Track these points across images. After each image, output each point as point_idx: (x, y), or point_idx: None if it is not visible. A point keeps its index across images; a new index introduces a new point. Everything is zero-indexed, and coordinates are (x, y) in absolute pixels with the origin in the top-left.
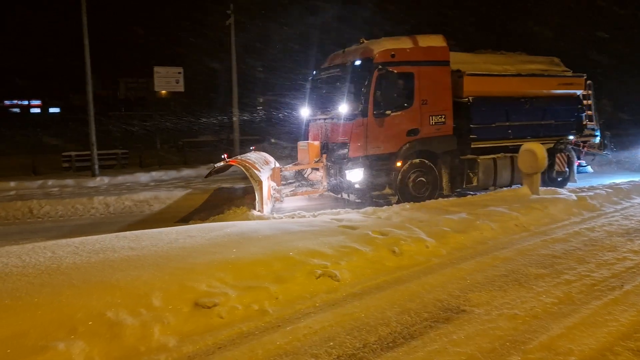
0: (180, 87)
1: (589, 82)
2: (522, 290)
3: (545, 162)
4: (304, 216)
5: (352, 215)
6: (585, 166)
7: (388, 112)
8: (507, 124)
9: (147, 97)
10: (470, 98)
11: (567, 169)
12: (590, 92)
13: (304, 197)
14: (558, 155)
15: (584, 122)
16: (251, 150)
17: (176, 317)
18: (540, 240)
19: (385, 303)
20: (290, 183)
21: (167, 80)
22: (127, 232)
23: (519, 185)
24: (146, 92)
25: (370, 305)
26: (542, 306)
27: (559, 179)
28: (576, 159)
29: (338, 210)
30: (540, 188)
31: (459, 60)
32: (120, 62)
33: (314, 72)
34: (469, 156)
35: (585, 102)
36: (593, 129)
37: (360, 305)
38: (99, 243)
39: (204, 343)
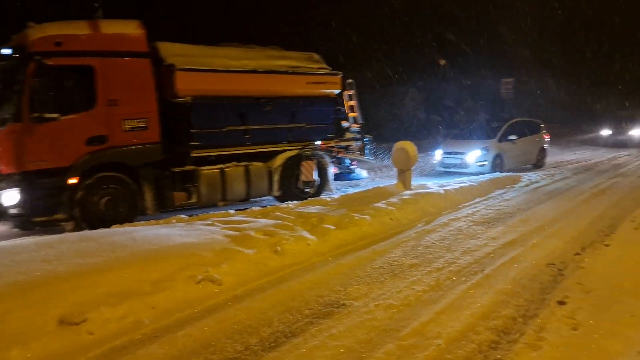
0: None
1: (350, 81)
2: (397, 281)
3: (416, 159)
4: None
5: (238, 217)
6: (352, 172)
7: (54, 115)
8: (243, 128)
9: None
10: (189, 98)
11: (317, 178)
12: (353, 92)
13: None
14: (304, 163)
15: (347, 125)
16: None
17: (38, 337)
18: (414, 232)
19: (268, 304)
20: None
21: None
22: None
23: (265, 201)
24: None
25: (253, 307)
26: (415, 294)
27: (306, 190)
28: (333, 166)
29: None
30: (412, 183)
31: (184, 52)
32: None
33: None
34: (188, 167)
35: (350, 102)
36: (358, 132)
37: (243, 308)
38: None
39: None
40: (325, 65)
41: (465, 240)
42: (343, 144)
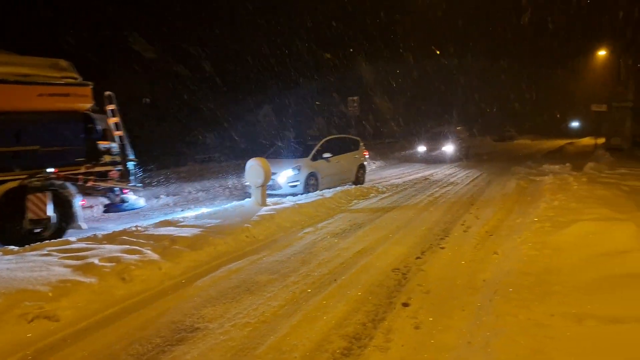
0: None
1: (108, 93)
2: (253, 298)
3: (270, 175)
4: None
5: (80, 245)
6: (125, 201)
7: None
8: None
9: None
10: None
11: (52, 215)
12: (114, 106)
13: None
14: (31, 196)
15: (106, 147)
16: None
17: None
18: (269, 248)
19: (114, 336)
20: None
21: None
22: None
23: None
24: None
25: (96, 342)
26: (271, 310)
27: (37, 230)
28: (80, 197)
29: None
30: (267, 199)
31: None
32: None
33: None
34: None
35: (112, 119)
36: (122, 155)
37: (84, 344)
38: None
39: None
40: (73, 74)
41: (320, 252)
42: (98, 169)
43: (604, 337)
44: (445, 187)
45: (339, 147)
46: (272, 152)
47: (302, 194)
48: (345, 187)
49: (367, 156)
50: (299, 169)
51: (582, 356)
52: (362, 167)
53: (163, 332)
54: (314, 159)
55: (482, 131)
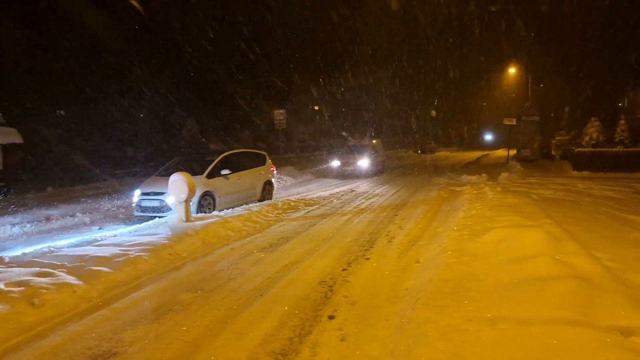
0: None
1: None
2: (177, 318)
3: (195, 190)
4: None
5: None
6: None
7: None
8: None
9: None
10: None
11: None
12: None
13: None
14: None
15: None
16: None
17: None
18: (193, 265)
19: None
20: None
21: None
22: None
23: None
24: None
25: None
26: (195, 330)
27: None
28: None
29: None
30: (192, 214)
31: None
32: None
33: None
34: None
35: None
36: None
37: None
38: None
39: None
40: None
41: (246, 267)
42: None
43: (515, 339)
44: (370, 198)
45: (241, 163)
46: (164, 169)
47: (194, 214)
48: (273, 200)
49: (275, 172)
50: None
51: (496, 357)
52: (269, 184)
53: (77, 359)
54: (210, 176)
55: (404, 144)
